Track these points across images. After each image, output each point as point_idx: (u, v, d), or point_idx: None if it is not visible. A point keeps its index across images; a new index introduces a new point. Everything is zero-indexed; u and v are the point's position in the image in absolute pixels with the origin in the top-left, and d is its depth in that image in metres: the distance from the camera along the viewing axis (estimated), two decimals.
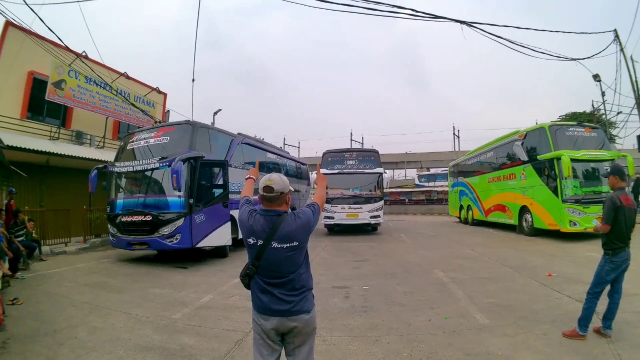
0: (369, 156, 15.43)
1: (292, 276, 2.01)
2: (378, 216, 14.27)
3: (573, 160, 10.32)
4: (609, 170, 4.01)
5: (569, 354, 3.41)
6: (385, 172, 14.96)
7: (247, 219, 2.08)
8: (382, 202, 14.57)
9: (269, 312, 2.00)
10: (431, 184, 43.62)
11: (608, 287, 3.76)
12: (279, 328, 2.01)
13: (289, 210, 2.15)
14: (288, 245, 1.98)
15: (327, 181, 2.57)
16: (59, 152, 11.47)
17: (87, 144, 14.90)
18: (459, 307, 4.95)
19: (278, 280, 2.00)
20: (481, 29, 9.54)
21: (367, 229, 15.41)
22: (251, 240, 2.03)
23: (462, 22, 9.33)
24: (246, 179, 2.54)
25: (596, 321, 3.81)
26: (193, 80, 14.28)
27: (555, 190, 10.88)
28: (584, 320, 3.67)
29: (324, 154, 15.52)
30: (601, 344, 3.58)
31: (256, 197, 2.13)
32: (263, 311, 2.01)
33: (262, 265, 2.00)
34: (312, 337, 2.10)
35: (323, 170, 12.72)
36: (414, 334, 4.03)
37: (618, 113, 18.50)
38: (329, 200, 13.70)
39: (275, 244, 1.97)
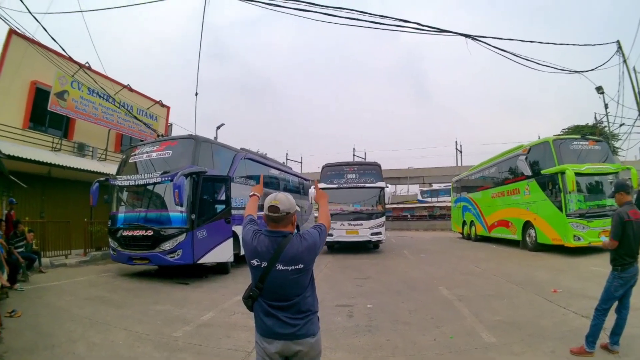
0: (370, 170, 14.67)
1: (298, 299, 1.95)
2: (379, 233, 13.53)
3: (577, 174, 10.28)
4: (613, 189, 4.00)
5: None
6: (388, 187, 14.41)
7: (251, 240, 2.02)
8: (383, 218, 13.79)
9: (273, 335, 1.93)
10: (434, 199, 43.49)
11: (616, 303, 3.72)
12: (283, 352, 1.94)
13: (295, 230, 2.10)
14: (293, 267, 1.93)
15: (327, 197, 2.50)
16: (60, 164, 11.51)
17: (89, 156, 14.93)
18: (465, 325, 4.86)
19: (283, 303, 1.94)
20: (485, 43, 9.48)
21: (369, 247, 14.71)
22: (255, 262, 1.97)
23: (466, 36, 9.25)
24: (250, 196, 2.48)
25: (603, 337, 3.75)
26: (196, 94, 14.26)
27: (559, 205, 10.80)
28: (591, 337, 3.62)
29: (322, 168, 14.88)
30: None
31: (260, 214, 2.07)
32: (267, 334, 1.95)
33: (267, 287, 1.95)
34: None
35: (321, 185, 12.40)
36: (420, 353, 3.94)
37: (621, 125, 18.44)
38: None
39: (280, 266, 1.92)
